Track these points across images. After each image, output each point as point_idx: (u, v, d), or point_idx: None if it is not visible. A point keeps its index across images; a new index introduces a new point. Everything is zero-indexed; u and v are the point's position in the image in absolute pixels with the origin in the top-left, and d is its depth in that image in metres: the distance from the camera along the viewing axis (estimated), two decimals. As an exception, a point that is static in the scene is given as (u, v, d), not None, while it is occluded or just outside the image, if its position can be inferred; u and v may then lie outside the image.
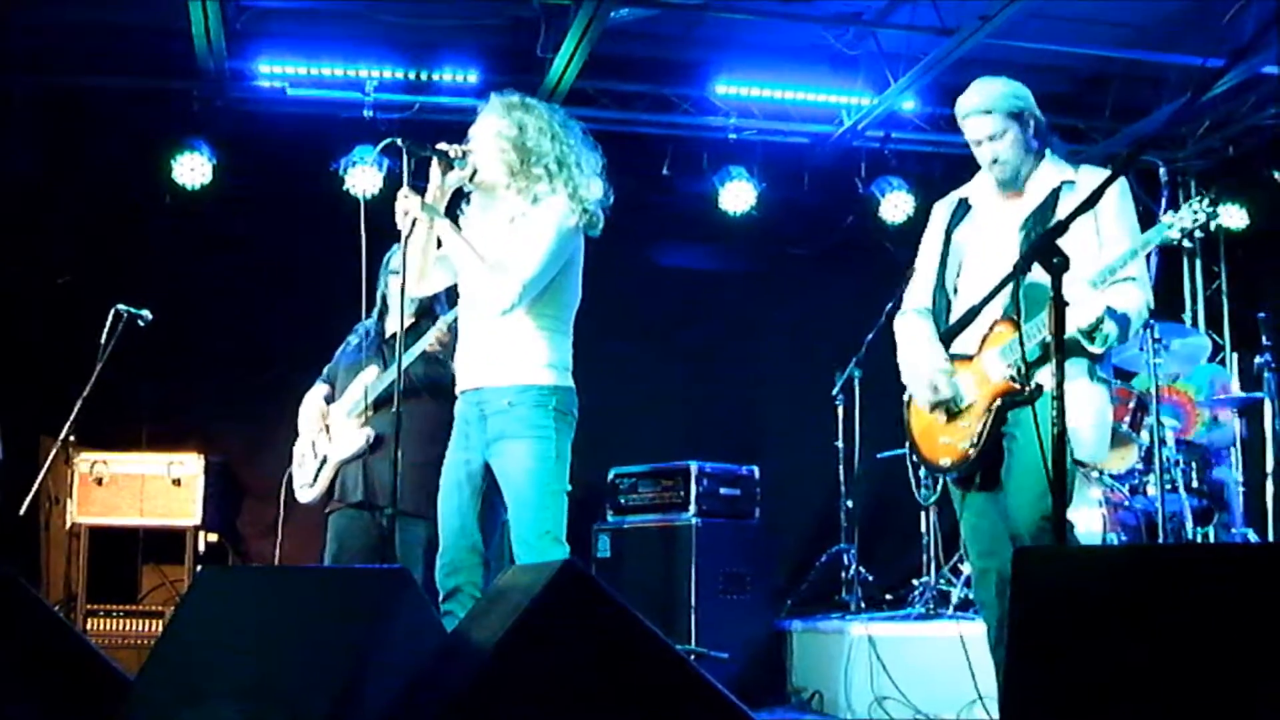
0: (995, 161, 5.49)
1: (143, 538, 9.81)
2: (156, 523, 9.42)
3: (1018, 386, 5.19)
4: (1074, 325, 4.95)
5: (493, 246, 5.90)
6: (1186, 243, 5.18)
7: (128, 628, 9.39)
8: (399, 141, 5.86)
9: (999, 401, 5.28)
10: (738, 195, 11.15)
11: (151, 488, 9.37)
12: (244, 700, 3.93)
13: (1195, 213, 5.06)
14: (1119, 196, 5.29)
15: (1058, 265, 4.09)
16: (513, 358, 5.82)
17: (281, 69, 10.24)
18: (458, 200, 6.15)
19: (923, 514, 9.41)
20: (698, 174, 11.28)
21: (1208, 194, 5.12)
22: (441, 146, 5.91)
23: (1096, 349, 5.13)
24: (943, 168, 11.95)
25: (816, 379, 10.04)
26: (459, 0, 10.00)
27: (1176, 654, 2.85)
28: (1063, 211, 5.14)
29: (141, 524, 9.47)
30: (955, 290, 5.61)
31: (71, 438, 8.43)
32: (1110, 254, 5.13)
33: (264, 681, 3.95)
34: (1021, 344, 5.07)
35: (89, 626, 9.19)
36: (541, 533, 5.68)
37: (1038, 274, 4.80)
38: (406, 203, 5.78)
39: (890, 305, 9.21)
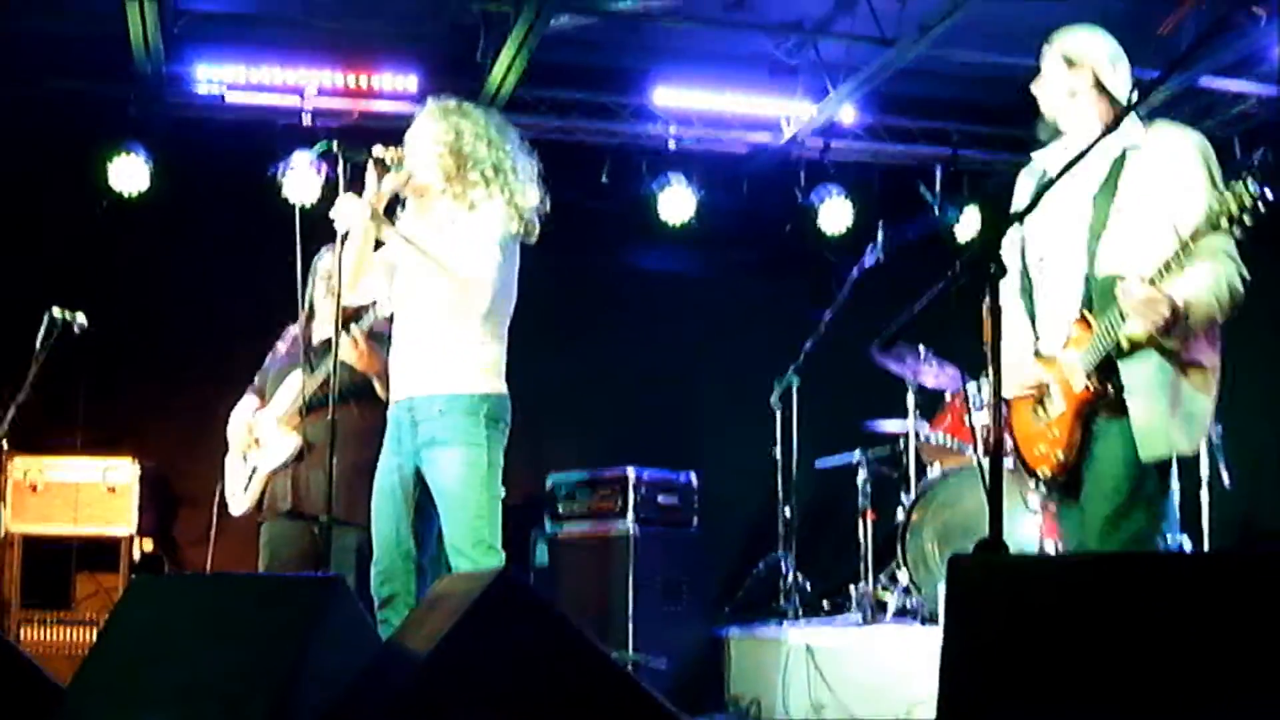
0: (1041, 104, 5.37)
1: (77, 546, 9.72)
2: (91, 531, 9.34)
3: (1097, 393, 5.00)
4: (1133, 329, 4.84)
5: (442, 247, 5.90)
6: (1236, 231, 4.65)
7: (62, 636, 9.30)
8: (334, 146, 5.84)
9: (1084, 410, 5.07)
10: (677, 203, 11.13)
11: (86, 495, 9.30)
12: (177, 709, 3.91)
13: (1241, 195, 4.55)
14: (1185, 172, 4.95)
15: (994, 274, 4.07)
16: (445, 365, 5.80)
17: (220, 74, 10.17)
18: (393, 206, 6.14)
19: (860, 521, 9.44)
20: (637, 182, 11.25)
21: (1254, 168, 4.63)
22: (377, 152, 5.88)
23: (1171, 343, 4.86)
24: (881, 177, 12.01)
25: (755, 387, 10.04)
26: (398, 6, 9.98)
27: (1111, 662, 2.87)
28: (1128, 184, 4.99)
29: (76, 533, 9.39)
30: (1029, 277, 5.39)
31: (4, 444, 8.36)
32: (1162, 251, 4.77)
33: (198, 690, 3.93)
34: (1101, 346, 4.93)
35: (22, 635, 9.09)
36: (476, 541, 5.67)
37: (1108, 265, 4.94)
38: (349, 207, 5.76)
39: (828, 314, 9.29)
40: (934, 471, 9.08)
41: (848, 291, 9.23)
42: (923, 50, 9.40)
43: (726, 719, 8.70)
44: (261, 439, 7.22)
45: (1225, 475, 9.26)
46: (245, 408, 7.41)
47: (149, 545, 9.80)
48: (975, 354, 4.72)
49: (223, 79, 10.19)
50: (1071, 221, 5.14)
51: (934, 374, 9.40)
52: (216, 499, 7.43)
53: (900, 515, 9.01)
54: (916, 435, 9.32)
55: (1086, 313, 5.05)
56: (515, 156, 6.09)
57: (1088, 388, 5.00)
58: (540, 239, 6.05)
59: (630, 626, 8.63)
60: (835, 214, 11.47)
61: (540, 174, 6.19)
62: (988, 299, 4.08)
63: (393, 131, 6.23)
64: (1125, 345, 4.89)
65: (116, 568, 9.43)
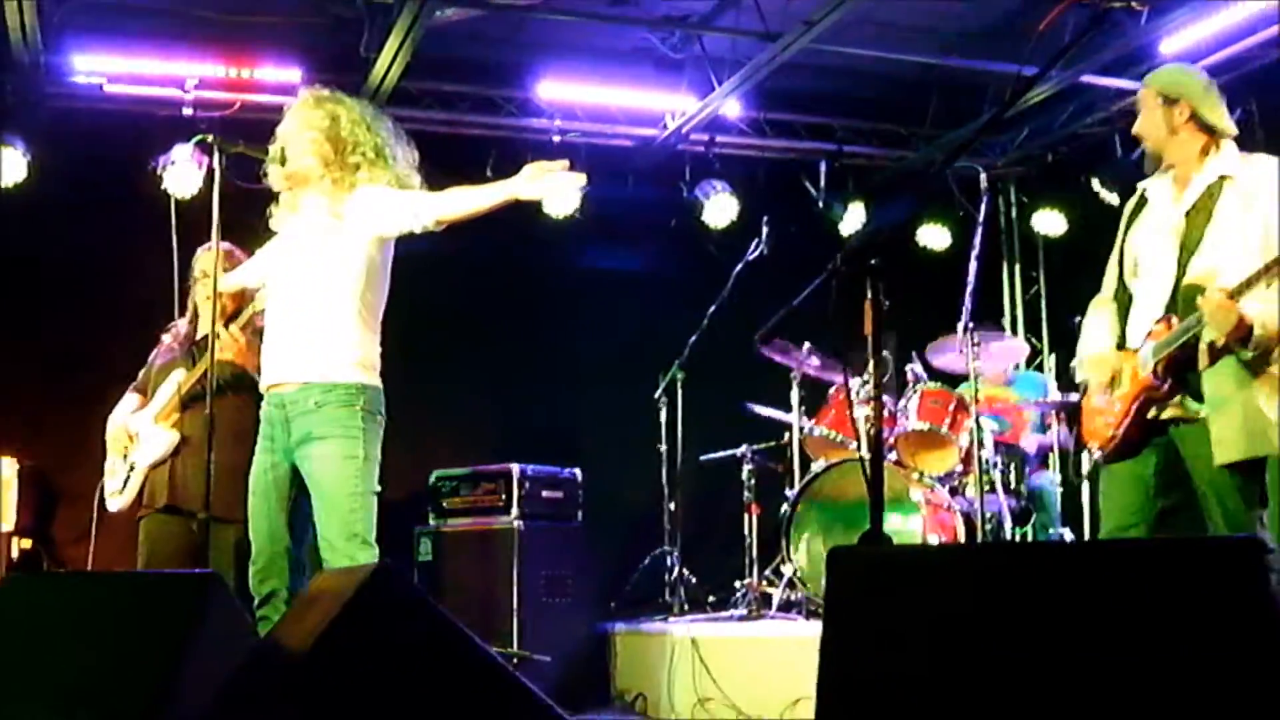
0: (1138, 136, 5.74)
1: (-47, 544, 9.60)
2: (-33, 529, 9.23)
3: (1154, 383, 5.42)
4: (1210, 335, 5.23)
5: (312, 242, 5.87)
6: None
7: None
8: (210, 138, 5.81)
9: (1144, 395, 5.47)
10: (561, 197, 11.10)
11: (-37, 493, 9.18)
12: (53, 708, 3.86)
13: None
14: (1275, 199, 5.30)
15: (873, 268, 4.11)
16: (320, 354, 5.76)
17: (99, 65, 10.03)
18: (269, 200, 6.11)
19: (745, 516, 9.46)
20: (522, 176, 11.21)
21: None
22: (252, 148, 5.89)
23: (1248, 354, 5.19)
24: (766, 171, 12.06)
25: (639, 381, 10.05)
26: (280, -3, 9.93)
27: (990, 653, 2.89)
28: (1223, 208, 5.37)
29: (-48, 529, 9.27)
30: (1127, 289, 5.78)
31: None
32: (1248, 263, 5.19)
33: (72, 690, 3.88)
34: (1173, 340, 5.35)
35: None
36: (349, 535, 5.62)
37: (1196, 277, 5.33)
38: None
39: (713, 308, 9.31)
40: (817, 465, 9.11)
41: (732, 286, 9.24)
42: (807, 45, 9.43)
43: (612, 714, 8.69)
44: (139, 435, 7.14)
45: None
46: (124, 408, 7.33)
47: (27, 544, 9.67)
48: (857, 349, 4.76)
49: (102, 70, 10.05)
50: (1167, 237, 5.55)
51: (818, 365, 9.44)
52: (97, 496, 7.34)
53: (784, 509, 9.04)
54: (800, 429, 9.35)
55: (1172, 315, 5.43)
56: (394, 144, 6.07)
57: (1154, 372, 5.41)
58: (423, 232, 6.02)
59: (515, 622, 8.59)
60: (720, 208, 11.50)
61: (418, 164, 6.18)
62: (869, 292, 4.12)
63: (275, 124, 6.18)
64: (1202, 348, 5.28)
65: (-6, 566, 9.32)
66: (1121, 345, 5.69)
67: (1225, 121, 5.62)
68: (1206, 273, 5.31)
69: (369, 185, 5.90)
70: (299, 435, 5.76)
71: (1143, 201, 5.81)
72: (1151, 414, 5.48)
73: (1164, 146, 5.64)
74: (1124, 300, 5.75)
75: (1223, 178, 5.46)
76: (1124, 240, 5.82)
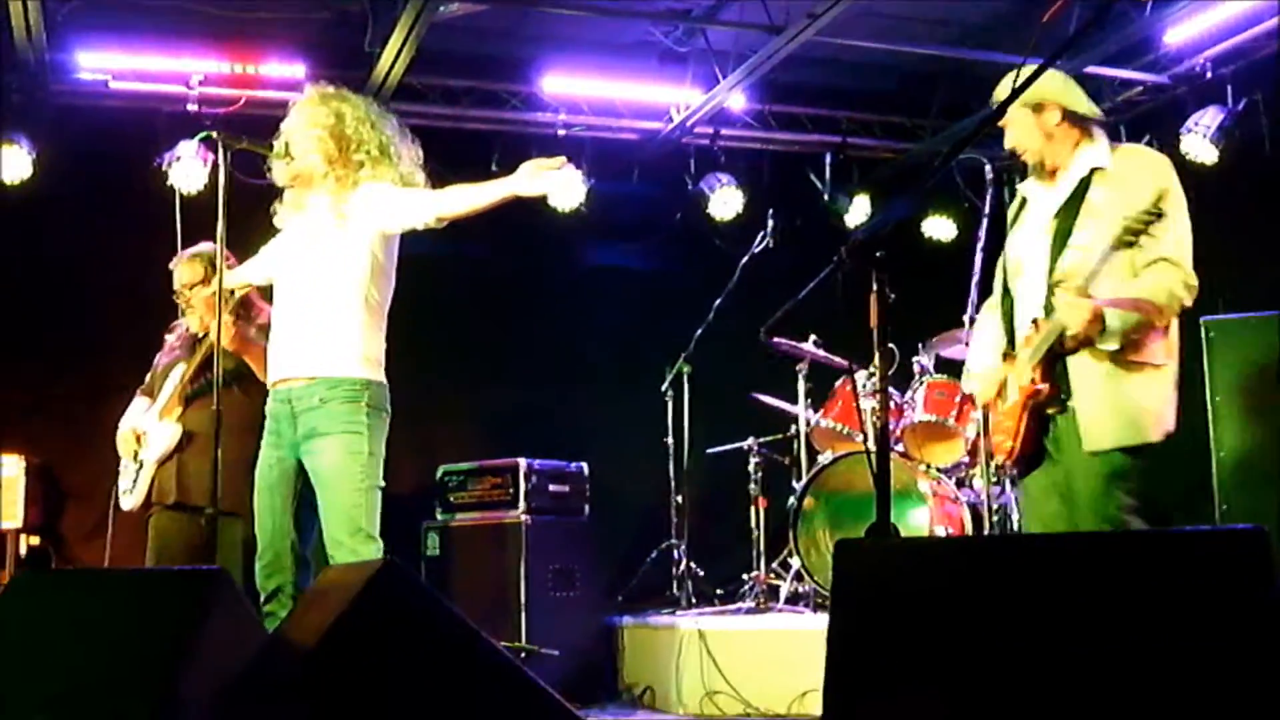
0: (1016, 150, 5.71)
1: (-38, 541, 9.61)
2: (-24, 526, 9.23)
3: (1035, 388, 5.35)
4: (1063, 328, 5.22)
5: (317, 239, 5.88)
6: None
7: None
8: (214, 134, 5.83)
9: (1030, 402, 5.39)
10: (567, 191, 11.09)
11: (-29, 490, 9.18)
12: (62, 703, 3.86)
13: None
14: (1139, 190, 5.29)
15: (879, 260, 4.11)
16: (325, 350, 5.77)
17: (103, 62, 10.04)
18: (274, 196, 6.12)
19: (752, 509, 9.46)
20: (526, 171, 11.20)
21: None
22: (256, 144, 5.90)
23: (1106, 347, 5.21)
24: (771, 164, 12.05)
25: (645, 374, 10.06)
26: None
27: (998, 644, 2.89)
28: (1092, 201, 5.36)
29: (-40, 527, 9.27)
30: (1010, 293, 5.77)
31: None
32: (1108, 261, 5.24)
33: (81, 684, 3.89)
34: (1043, 344, 5.30)
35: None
36: (354, 530, 5.63)
37: (1061, 271, 5.33)
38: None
39: (719, 302, 9.31)
40: (824, 458, 9.11)
41: (738, 279, 9.24)
42: (812, 37, 9.41)
43: (620, 708, 8.69)
44: (145, 434, 7.15)
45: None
46: (133, 412, 7.34)
47: (35, 540, 9.68)
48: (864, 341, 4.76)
49: (107, 67, 10.05)
50: (1042, 236, 5.51)
51: (824, 357, 9.43)
52: (112, 494, 7.35)
53: (792, 501, 9.04)
54: (807, 421, 9.34)
55: (1040, 316, 5.39)
56: (398, 142, 6.09)
57: (1032, 380, 5.33)
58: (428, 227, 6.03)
59: (522, 616, 8.59)
60: (725, 201, 11.48)
61: (421, 161, 6.20)
62: (875, 284, 4.13)
63: (280, 120, 6.19)
64: (1069, 345, 5.25)
65: (3, 564, 9.31)
66: (1012, 348, 5.63)
67: (1092, 107, 5.64)
68: (1071, 268, 5.31)
69: (372, 183, 5.91)
70: (304, 431, 5.77)
71: (1023, 203, 5.82)
72: (1049, 411, 5.41)
73: (1044, 153, 5.63)
74: (1008, 305, 5.72)
75: (1093, 170, 5.46)
76: (1007, 244, 5.83)
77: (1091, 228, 5.31)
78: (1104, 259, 5.20)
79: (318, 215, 5.96)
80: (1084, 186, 5.44)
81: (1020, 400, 5.42)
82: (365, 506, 5.67)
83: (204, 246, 7.07)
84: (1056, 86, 5.59)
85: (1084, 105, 5.61)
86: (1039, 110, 5.57)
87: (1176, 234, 5.28)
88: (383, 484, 5.79)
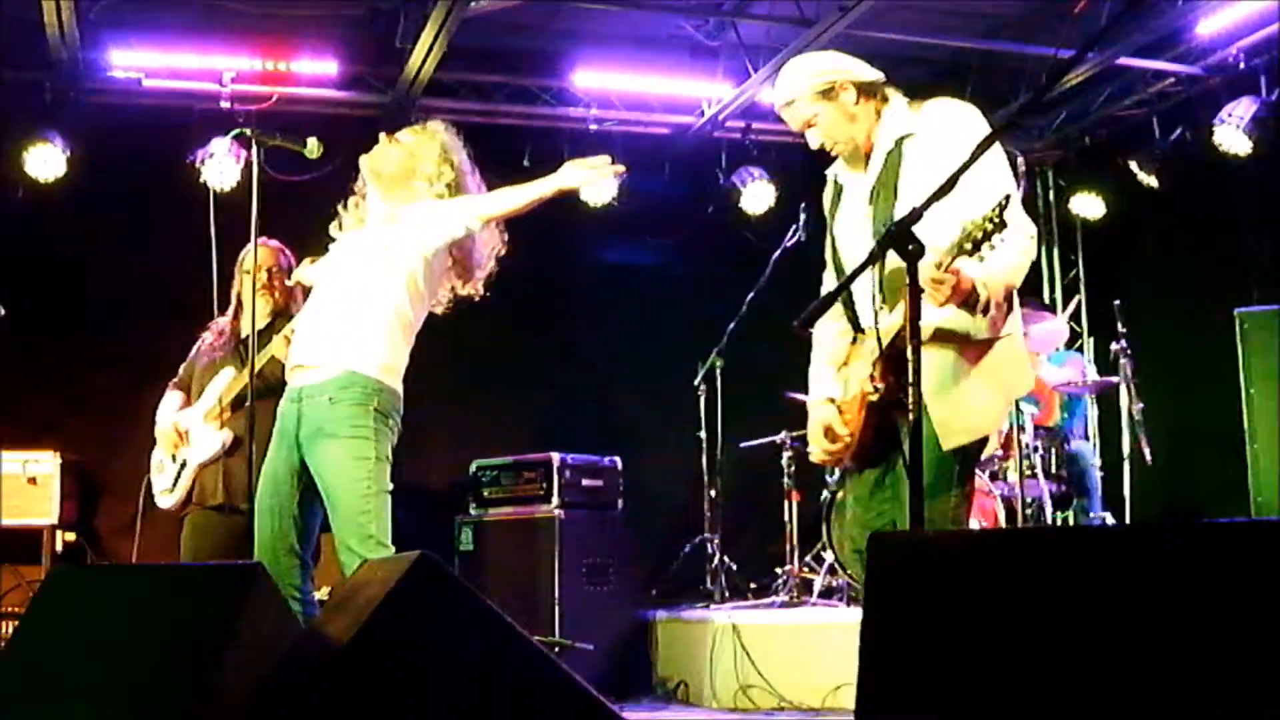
0: (827, 145, 5.28)
1: (-2, 538, 9.66)
2: (12, 523, 9.23)
3: (872, 387, 4.99)
4: (894, 320, 4.82)
5: (364, 247, 5.91)
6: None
7: (-15, 629, 9.25)
8: (248, 131, 5.86)
9: (867, 401, 5.05)
10: (594, 186, 11.09)
11: (7, 486, 9.18)
12: (98, 699, 3.88)
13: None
14: (954, 147, 4.75)
15: (912, 252, 4.07)
16: (345, 346, 5.74)
17: (137, 60, 10.09)
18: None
19: (786, 503, 9.47)
20: (558, 165, 11.16)
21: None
22: (289, 140, 5.95)
23: (982, 319, 4.83)
24: (803, 158, 11.99)
25: (678, 368, 10.06)
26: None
27: (1032, 637, 2.88)
28: (907, 172, 4.99)
29: (-4, 524, 9.32)
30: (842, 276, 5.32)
31: (-78, 436, 8.29)
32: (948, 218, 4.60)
33: (118, 680, 3.90)
34: (873, 347, 4.90)
35: (-55, 628, 9.04)
36: (363, 537, 5.56)
37: (891, 257, 4.51)
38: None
39: (751, 295, 9.30)
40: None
41: (770, 272, 9.24)
42: (842, 30, 9.40)
43: (654, 702, 8.71)
44: (189, 434, 7.16)
45: (1147, 451, 9.36)
46: (170, 405, 7.33)
47: (70, 537, 9.73)
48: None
49: (140, 65, 10.10)
50: (862, 220, 5.15)
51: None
52: (143, 491, 7.36)
53: (825, 495, 9.04)
54: (840, 415, 9.33)
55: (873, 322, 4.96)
56: (465, 172, 6.21)
57: (869, 378, 4.98)
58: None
59: (556, 610, 8.61)
60: (757, 195, 11.49)
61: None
62: (908, 276, 4.08)
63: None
64: (884, 340, 4.83)
65: (39, 560, 9.37)
66: (858, 333, 5.22)
67: (874, 72, 5.32)
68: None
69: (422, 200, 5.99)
70: (309, 429, 5.73)
71: (838, 189, 5.42)
72: (886, 412, 5.04)
73: (856, 137, 5.24)
74: (846, 295, 5.21)
75: (899, 140, 5.11)
76: (830, 233, 5.42)
77: (912, 198, 4.60)
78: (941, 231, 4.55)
79: (371, 229, 6.00)
80: (893, 159, 5.08)
81: (857, 398, 5.09)
82: (374, 513, 5.60)
83: (273, 242, 7.16)
84: (832, 64, 5.25)
85: (869, 71, 5.29)
86: (833, 95, 5.19)
87: (994, 178, 4.80)
88: (390, 487, 5.74)
